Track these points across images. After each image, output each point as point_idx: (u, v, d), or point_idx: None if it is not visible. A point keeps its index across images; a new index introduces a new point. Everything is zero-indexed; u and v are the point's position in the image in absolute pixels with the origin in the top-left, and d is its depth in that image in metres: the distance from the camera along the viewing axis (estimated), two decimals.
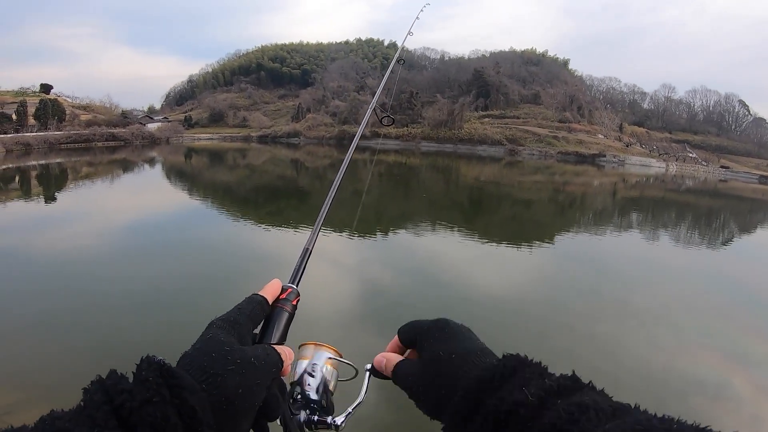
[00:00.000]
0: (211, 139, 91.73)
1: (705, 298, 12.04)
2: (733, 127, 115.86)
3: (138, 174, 39.42)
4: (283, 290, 1.00)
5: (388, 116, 2.14)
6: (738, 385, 7.47)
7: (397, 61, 2.74)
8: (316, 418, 0.93)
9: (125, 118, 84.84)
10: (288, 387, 0.93)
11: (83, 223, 17.27)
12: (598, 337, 8.87)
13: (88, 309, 8.90)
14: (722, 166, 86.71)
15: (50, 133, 59.21)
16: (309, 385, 0.94)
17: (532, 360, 0.73)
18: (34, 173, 35.60)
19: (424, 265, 13.54)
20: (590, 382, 0.68)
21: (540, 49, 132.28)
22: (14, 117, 62.96)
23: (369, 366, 0.97)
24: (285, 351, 0.86)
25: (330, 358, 0.98)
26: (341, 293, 10.49)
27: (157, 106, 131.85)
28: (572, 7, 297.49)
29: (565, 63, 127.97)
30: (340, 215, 15.35)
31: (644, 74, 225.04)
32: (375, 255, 14.53)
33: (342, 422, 0.93)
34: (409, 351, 0.95)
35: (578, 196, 37.13)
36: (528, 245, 16.90)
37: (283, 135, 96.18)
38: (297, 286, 1.07)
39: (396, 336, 0.96)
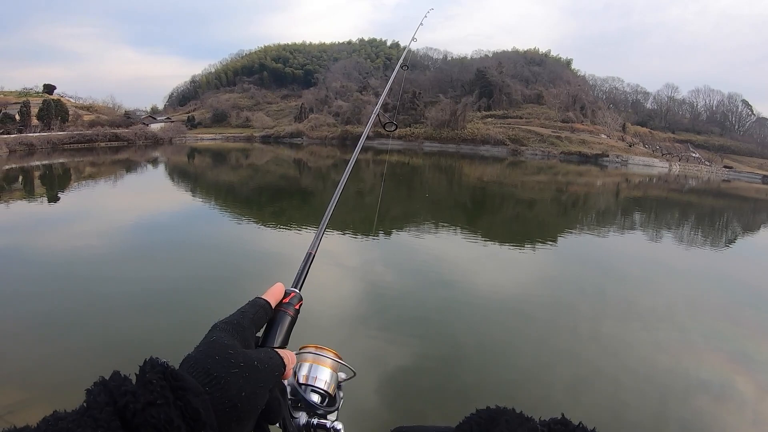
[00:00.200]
0: (214, 139, 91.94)
1: (709, 299, 12.00)
2: (736, 127, 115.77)
3: (141, 174, 39.50)
4: (286, 294, 1.00)
5: (391, 122, 2.13)
6: (741, 386, 7.45)
7: (401, 67, 2.74)
8: (315, 421, 0.93)
9: (128, 118, 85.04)
10: (288, 390, 0.94)
11: (86, 224, 17.28)
12: (602, 338, 8.85)
13: (91, 309, 8.91)
14: (725, 166, 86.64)
15: (53, 133, 59.39)
16: (309, 388, 0.95)
17: (506, 408, 0.70)
18: (37, 173, 35.70)
19: (426, 265, 13.52)
20: (580, 423, 0.64)
21: (543, 49, 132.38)
22: (17, 117, 63.16)
23: (340, 427, 0.96)
24: (287, 355, 0.86)
25: (330, 360, 0.99)
26: (343, 294, 10.48)
27: (160, 107, 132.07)
28: (574, 7, 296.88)
29: (568, 63, 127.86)
30: (343, 216, 15.40)
31: (647, 74, 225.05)
32: (377, 255, 14.52)
33: (341, 427, 0.94)
34: None
35: (581, 197, 37.09)
36: (531, 245, 16.88)
37: (285, 135, 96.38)
38: (300, 290, 1.07)
39: None
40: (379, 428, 5.28)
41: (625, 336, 9.01)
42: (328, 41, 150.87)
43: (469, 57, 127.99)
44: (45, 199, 23.43)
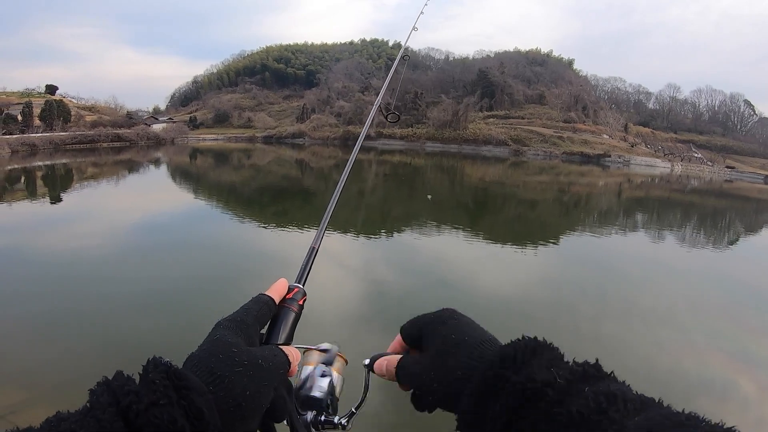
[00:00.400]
0: (216, 139, 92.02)
1: (711, 299, 11.98)
2: (738, 127, 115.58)
3: (143, 175, 39.57)
4: (290, 290, 0.99)
5: (394, 113, 2.13)
6: (744, 387, 7.44)
7: (402, 57, 2.73)
8: (322, 418, 0.92)
9: (130, 118, 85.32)
10: (294, 387, 0.93)
11: (88, 224, 17.31)
12: (603, 338, 8.84)
13: (93, 310, 8.92)
14: (727, 167, 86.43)
15: (55, 133, 59.53)
16: (315, 385, 0.94)
17: (551, 344, 0.71)
18: (39, 174, 35.75)
19: (428, 265, 13.53)
20: (612, 372, 0.66)
21: (544, 49, 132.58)
22: (20, 118, 63.36)
23: (367, 361, 0.95)
24: (292, 352, 0.86)
25: (337, 360, 0.99)
26: (346, 294, 10.48)
27: (162, 107, 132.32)
28: (576, 7, 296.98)
29: (570, 63, 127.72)
30: (345, 216, 15.41)
31: (649, 74, 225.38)
32: (380, 255, 14.52)
33: (348, 422, 0.94)
34: (411, 351, 0.91)
35: (583, 197, 37.06)
36: (533, 246, 16.85)
37: (287, 135, 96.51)
38: (303, 285, 1.06)
39: (398, 336, 0.93)
40: (381, 428, 5.29)
41: (626, 336, 9.00)
42: (329, 41, 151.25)
43: (471, 57, 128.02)
44: (47, 199, 23.46)
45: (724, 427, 0.54)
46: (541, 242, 17.66)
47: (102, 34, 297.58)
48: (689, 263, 16.49)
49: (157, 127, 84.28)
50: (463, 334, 0.80)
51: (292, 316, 0.96)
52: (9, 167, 37.42)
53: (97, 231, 15.69)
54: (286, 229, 17.58)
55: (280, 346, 0.87)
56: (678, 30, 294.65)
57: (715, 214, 32.62)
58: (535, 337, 0.72)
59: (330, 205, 1.37)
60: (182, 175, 39.78)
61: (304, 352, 0.99)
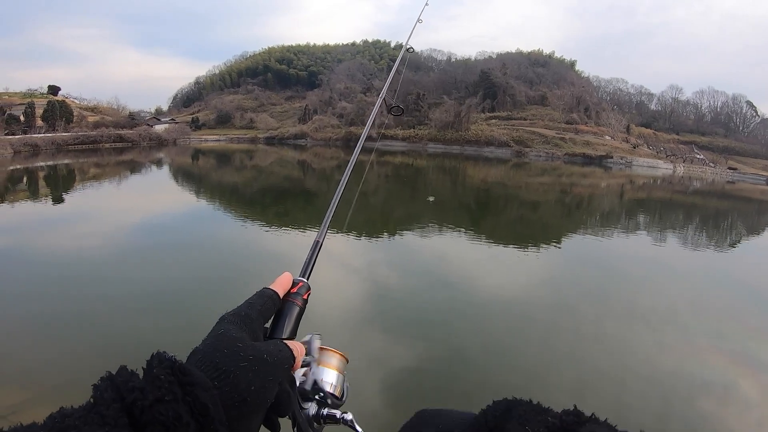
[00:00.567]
0: (218, 140, 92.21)
1: (712, 300, 11.97)
2: (740, 128, 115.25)
3: (145, 175, 39.63)
4: (294, 284, 0.99)
5: (398, 106, 2.13)
6: (745, 388, 7.43)
7: (407, 49, 2.73)
8: (325, 412, 0.93)
9: (132, 119, 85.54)
10: (297, 381, 0.92)
11: (90, 225, 17.33)
12: (605, 339, 8.83)
13: (96, 308, 8.94)
14: (730, 168, 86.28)
15: (58, 134, 59.72)
16: (318, 379, 0.93)
17: (528, 400, 0.68)
18: (41, 174, 35.81)
19: (430, 266, 13.53)
20: (593, 414, 0.64)
21: (547, 50, 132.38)
22: (22, 118, 63.62)
23: (350, 417, 0.95)
24: (296, 346, 0.86)
25: (336, 358, 0.98)
26: (348, 295, 10.48)
27: (165, 108, 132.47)
28: (579, 8, 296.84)
29: (572, 64, 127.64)
30: (347, 217, 15.37)
31: (651, 75, 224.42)
32: (382, 256, 14.52)
33: (351, 417, 0.94)
34: None
35: (585, 198, 37.03)
36: (535, 247, 16.85)
37: (290, 136, 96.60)
38: (308, 279, 1.06)
39: None
40: (383, 428, 5.28)
41: (629, 337, 8.98)
42: (331, 43, 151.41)
43: (473, 58, 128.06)
44: (49, 199, 23.52)
45: None
46: (543, 243, 17.65)
47: (105, 35, 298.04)
48: (691, 264, 16.48)
49: (159, 128, 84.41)
50: (436, 423, 0.77)
51: (296, 310, 0.95)
52: (11, 167, 37.55)
53: (99, 231, 15.71)
54: (288, 229, 17.60)
55: (285, 341, 0.86)
56: (681, 31, 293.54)
57: (717, 216, 32.58)
58: (509, 397, 0.70)
59: (334, 198, 1.38)
60: (184, 176, 39.82)
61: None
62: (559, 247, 17.27)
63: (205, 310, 8.56)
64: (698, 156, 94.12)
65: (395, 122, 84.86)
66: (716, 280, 14.66)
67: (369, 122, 1.85)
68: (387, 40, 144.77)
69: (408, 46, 2.80)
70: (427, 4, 3.52)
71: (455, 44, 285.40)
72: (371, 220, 19.19)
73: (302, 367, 0.94)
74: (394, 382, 6.72)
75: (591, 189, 44.30)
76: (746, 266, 17.11)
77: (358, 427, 0.95)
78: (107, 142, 63.14)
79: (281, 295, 0.95)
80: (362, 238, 15.81)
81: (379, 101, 2.00)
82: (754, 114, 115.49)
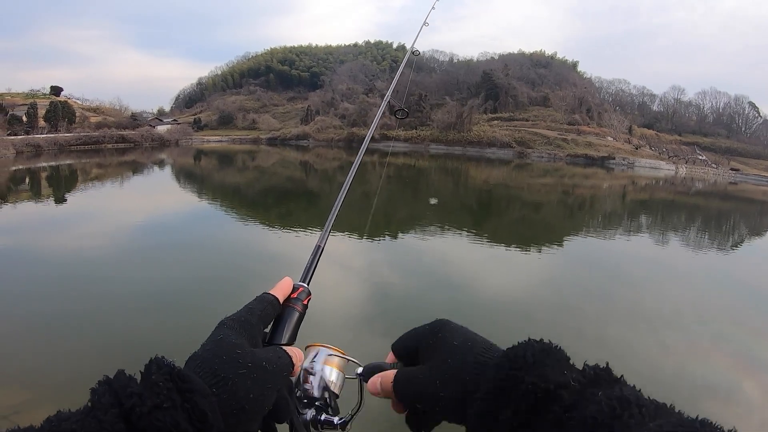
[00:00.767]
0: (221, 141, 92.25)
1: (716, 302, 11.92)
2: (743, 129, 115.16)
3: (147, 176, 39.66)
4: (294, 289, 0.98)
5: (402, 109, 2.12)
6: (749, 390, 7.40)
7: (413, 52, 2.72)
8: (322, 417, 0.92)
9: (135, 120, 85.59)
10: (295, 386, 0.91)
11: (92, 225, 17.34)
12: (607, 341, 8.80)
13: (97, 310, 8.93)
14: (732, 169, 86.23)
15: (60, 134, 59.82)
16: (316, 385, 0.92)
17: (558, 346, 0.69)
18: (44, 175, 35.86)
19: (432, 267, 13.51)
20: (622, 376, 0.65)
21: (549, 51, 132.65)
22: (25, 119, 63.72)
23: (360, 370, 0.93)
24: (295, 353, 0.85)
25: (337, 358, 0.96)
26: (349, 295, 10.47)
27: (167, 109, 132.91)
28: (580, 8, 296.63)
29: (574, 65, 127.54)
30: (349, 218, 15.37)
31: (653, 76, 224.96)
32: (383, 257, 14.49)
33: (347, 424, 0.92)
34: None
35: (587, 199, 37.00)
36: (537, 248, 16.81)
37: (292, 137, 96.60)
38: (308, 284, 1.04)
39: (389, 354, 0.90)
40: (384, 429, 5.26)
41: (631, 338, 8.96)
42: (334, 44, 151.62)
43: (475, 59, 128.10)
44: (51, 200, 23.54)
45: None
46: (545, 245, 17.61)
47: (107, 35, 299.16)
48: (693, 265, 16.44)
49: (161, 129, 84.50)
50: (465, 339, 0.77)
51: (296, 315, 0.95)
52: (14, 168, 37.60)
53: (101, 232, 15.72)
54: (290, 230, 17.58)
55: (284, 347, 0.86)
56: (683, 32, 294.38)
57: (719, 217, 32.51)
58: (542, 339, 0.70)
59: (336, 204, 1.36)
60: (186, 176, 39.85)
61: (305, 350, 0.95)
62: (561, 248, 17.24)
63: (206, 311, 8.55)
64: (700, 157, 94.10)
65: (397, 123, 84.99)
66: (718, 281, 14.62)
67: (373, 125, 1.84)
68: (389, 41, 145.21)
69: (414, 50, 2.78)
70: (433, 7, 3.51)
71: (457, 45, 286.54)
72: (373, 220, 19.17)
73: (309, 375, 0.92)
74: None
75: (593, 190, 44.27)
76: (749, 267, 17.05)
77: None
78: (109, 143, 63.19)
79: (281, 301, 0.93)
80: (364, 238, 15.80)
81: (383, 103, 1.99)
82: (757, 115, 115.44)
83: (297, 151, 77.44)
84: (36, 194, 25.88)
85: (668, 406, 0.58)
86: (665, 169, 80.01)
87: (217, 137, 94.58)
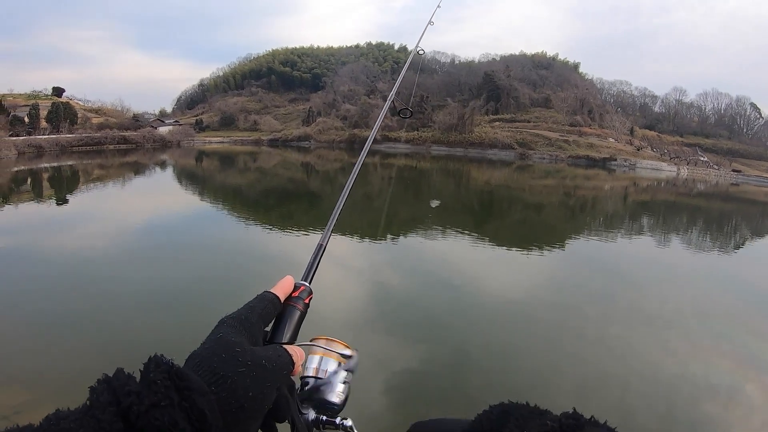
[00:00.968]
0: (222, 142, 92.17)
1: (717, 303, 11.92)
2: (744, 130, 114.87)
3: (149, 177, 39.68)
4: (296, 288, 0.98)
5: (406, 108, 2.13)
6: (750, 391, 7.39)
7: (418, 52, 2.72)
8: (324, 418, 0.91)
9: (137, 121, 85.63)
10: (297, 386, 0.90)
11: (93, 225, 17.37)
12: (609, 342, 8.80)
13: (98, 309, 8.95)
14: (734, 170, 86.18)
15: (62, 135, 59.79)
16: (318, 384, 0.93)
17: (519, 402, 0.69)
18: (46, 175, 35.90)
19: (434, 268, 13.51)
20: (592, 416, 0.63)
21: (550, 53, 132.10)
22: (26, 120, 63.71)
23: (349, 423, 0.93)
24: (296, 351, 0.84)
25: (341, 354, 0.97)
26: (351, 296, 10.48)
27: (169, 110, 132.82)
28: (580, 8, 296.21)
29: (576, 66, 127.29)
30: (351, 219, 15.39)
31: (655, 77, 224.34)
32: (385, 258, 14.51)
33: (351, 423, 0.92)
34: None
35: (589, 200, 36.99)
36: (538, 249, 16.82)
37: (293, 138, 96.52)
38: (310, 283, 1.04)
39: None
40: (385, 429, 5.27)
41: (632, 339, 8.95)
42: (335, 45, 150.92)
43: (476, 60, 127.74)
44: (53, 201, 23.55)
45: None
46: (547, 246, 17.61)
47: (109, 36, 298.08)
48: (695, 266, 16.44)
49: (163, 130, 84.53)
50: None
51: (297, 314, 0.94)
52: (15, 169, 37.64)
53: (102, 232, 15.75)
54: (291, 231, 17.59)
55: (284, 346, 0.84)
56: (684, 32, 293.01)
57: (721, 218, 32.51)
58: (506, 401, 0.70)
59: (339, 202, 1.36)
60: (188, 177, 39.88)
61: (308, 345, 0.97)
62: (563, 250, 17.25)
63: (206, 310, 8.55)
64: (702, 158, 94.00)
65: (399, 124, 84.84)
66: (720, 282, 14.61)
67: (376, 125, 1.84)
68: (391, 43, 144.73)
69: (419, 49, 2.78)
70: (439, 6, 3.50)
71: (458, 46, 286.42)
72: (374, 222, 19.17)
73: (343, 383, 0.93)
74: (396, 384, 6.71)
75: (595, 191, 44.27)
76: (751, 268, 17.04)
77: None
78: (111, 144, 63.19)
79: (282, 299, 0.93)
80: (366, 239, 15.81)
81: (387, 103, 1.99)
82: (758, 116, 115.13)
83: (298, 152, 77.47)
84: (38, 195, 25.92)
85: None
86: (667, 170, 79.99)
87: (218, 138, 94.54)
